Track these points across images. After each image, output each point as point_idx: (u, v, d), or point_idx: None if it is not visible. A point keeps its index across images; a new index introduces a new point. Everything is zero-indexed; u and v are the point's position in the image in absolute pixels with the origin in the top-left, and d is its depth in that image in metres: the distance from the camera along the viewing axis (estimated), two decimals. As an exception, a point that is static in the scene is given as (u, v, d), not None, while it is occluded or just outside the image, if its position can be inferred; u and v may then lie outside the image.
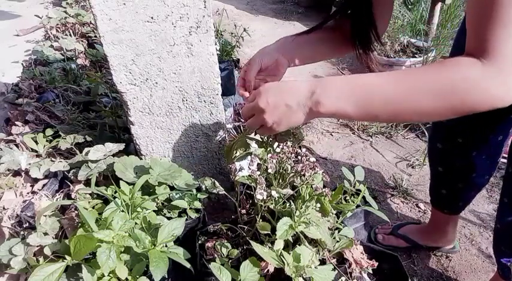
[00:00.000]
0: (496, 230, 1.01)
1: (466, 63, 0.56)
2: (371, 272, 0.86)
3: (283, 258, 0.73)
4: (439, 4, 2.50)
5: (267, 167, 0.76)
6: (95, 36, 2.27)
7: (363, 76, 0.64)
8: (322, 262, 0.81)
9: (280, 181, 0.79)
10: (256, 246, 0.73)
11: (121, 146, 1.01)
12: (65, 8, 2.77)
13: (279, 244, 0.76)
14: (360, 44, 0.87)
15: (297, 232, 0.75)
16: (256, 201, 0.77)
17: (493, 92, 0.55)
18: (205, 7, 0.91)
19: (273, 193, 0.75)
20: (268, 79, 0.87)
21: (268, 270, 0.76)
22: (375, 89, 0.61)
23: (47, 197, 0.97)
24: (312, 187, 0.78)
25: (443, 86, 0.57)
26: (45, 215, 0.84)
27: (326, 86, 0.64)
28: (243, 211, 0.90)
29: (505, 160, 0.95)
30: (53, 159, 1.10)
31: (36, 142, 1.15)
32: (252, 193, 0.80)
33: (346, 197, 0.96)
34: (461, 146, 1.04)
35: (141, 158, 1.04)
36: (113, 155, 0.99)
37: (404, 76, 0.62)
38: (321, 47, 0.92)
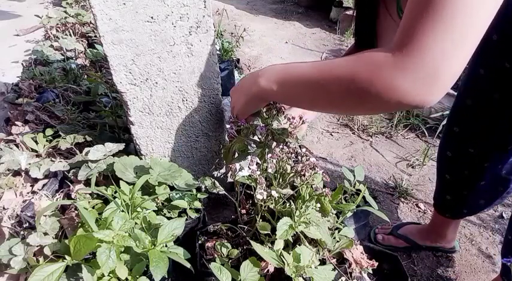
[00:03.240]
0: (507, 242, 1.00)
1: (379, 51, 0.52)
2: (371, 272, 0.86)
3: (283, 258, 0.73)
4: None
5: (267, 167, 0.76)
6: (95, 36, 2.27)
7: (298, 63, 0.67)
8: (322, 262, 0.81)
9: (280, 181, 0.79)
10: (256, 246, 0.73)
11: (121, 146, 1.01)
12: (65, 8, 2.78)
13: (279, 244, 0.76)
14: None
15: (297, 232, 0.75)
16: (256, 201, 0.77)
17: (398, 82, 0.49)
18: (205, 7, 0.91)
19: (273, 193, 0.75)
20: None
21: (268, 270, 0.77)
22: (295, 71, 0.66)
23: (47, 197, 0.97)
24: (312, 187, 0.78)
25: (350, 67, 0.54)
26: (45, 215, 0.84)
27: (267, 70, 0.73)
28: (243, 211, 0.90)
29: None
30: (53, 159, 1.10)
31: (36, 142, 1.15)
32: (252, 193, 0.80)
33: (346, 197, 0.96)
34: (472, 156, 1.00)
35: (141, 158, 1.04)
36: (113, 155, 0.99)
37: (325, 62, 0.64)
38: None
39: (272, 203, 0.77)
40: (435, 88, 0.49)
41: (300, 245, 0.78)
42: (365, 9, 0.82)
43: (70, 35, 2.29)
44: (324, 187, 0.77)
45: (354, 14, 0.85)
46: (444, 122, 1.86)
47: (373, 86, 0.51)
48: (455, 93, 1.02)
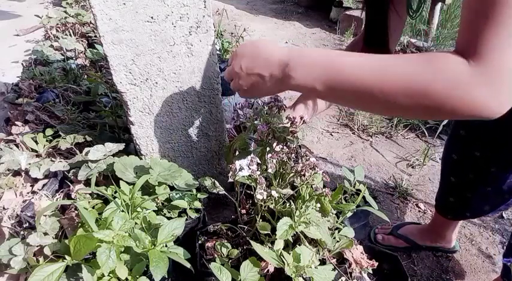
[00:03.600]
0: (510, 246, 1.00)
1: (454, 60, 0.50)
2: (371, 272, 0.86)
3: (283, 258, 0.73)
4: (439, 4, 2.50)
5: (267, 167, 0.76)
6: (95, 36, 2.27)
7: (339, 55, 0.59)
8: (322, 262, 0.81)
9: (280, 181, 0.79)
10: (256, 246, 0.73)
11: (121, 146, 1.01)
12: (65, 8, 2.78)
13: (279, 244, 0.76)
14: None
15: (297, 232, 0.75)
16: (256, 201, 0.77)
17: (476, 95, 0.48)
18: (205, 7, 0.91)
19: (273, 193, 0.75)
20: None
21: (268, 270, 0.76)
22: (347, 73, 0.56)
23: (47, 197, 0.97)
24: (312, 187, 0.78)
25: (422, 79, 0.50)
26: (45, 215, 0.84)
27: (299, 60, 0.60)
28: (243, 211, 0.90)
29: None
30: (53, 159, 1.10)
31: (36, 142, 1.15)
32: (252, 193, 0.80)
33: (346, 197, 0.96)
34: (478, 160, 0.98)
35: (141, 158, 1.04)
36: (113, 155, 0.99)
37: (382, 63, 0.55)
38: None
39: (272, 203, 0.77)
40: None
41: (300, 245, 0.78)
42: (376, 8, 0.81)
43: (70, 35, 2.29)
44: (324, 187, 0.77)
45: (364, 12, 0.84)
46: (444, 122, 1.86)
47: (449, 101, 0.49)
48: None
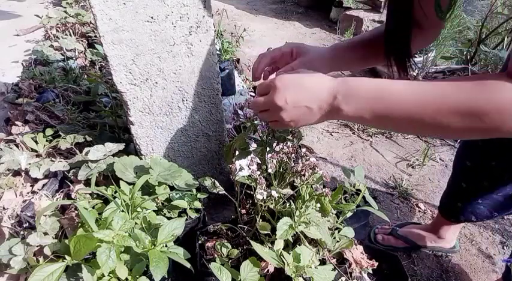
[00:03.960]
0: None
1: (501, 84, 0.50)
2: (371, 272, 0.86)
3: (283, 258, 0.73)
4: (439, 4, 2.49)
5: (267, 167, 0.76)
6: (95, 36, 2.27)
7: (388, 86, 0.59)
8: (322, 262, 0.81)
9: (280, 181, 0.79)
10: (256, 246, 0.73)
11: (121, 146, 1.01)
12: (65, 7, 2.78)
13: (279, 244, 0.76)
14: (395, 56, 0.80)
15: (297, 232, 0.75)
16: (256, 201, 0.77)
17: None
18: (205, 7, 0.91)
19: (273, 193, 0.75)
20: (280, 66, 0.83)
21: (268, 270, 0.77)
22: (395, 103, 0.57)
23: (47, 197, 0.97)
24: (312, 187, 0.78)
25: (478, 109, 0.51)
26: (45, 215, 0.84)
27: (348, 92, 0.61)
28: (243, 211, 0.90)
29: None
30: (53, 159, 1.10)
31: (36, 142, 1.15)
32: (252, 193, 0.80)
33: (346, 197, 0.96)
34: (493, 169, 0.95)
35: (141, 158, 1.04)
36: (113, 155, 0.99)
37: (433, 93, 0.55)
38: (361, 52, 0.87)
39: (272, 203, 0.77)
40: None
41: (300, 245, 0.78)
42: (400, 6, 0.76)
43: (70, 35, 2.29)
44: (324, 187, 0.77)
45: (386, 9, 0.79)
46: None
47: (506, 125, 0.50)
48: None
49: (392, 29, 0.79)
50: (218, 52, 2.36)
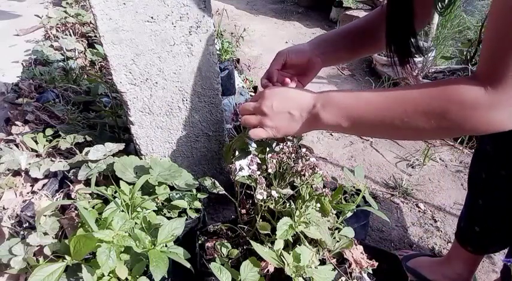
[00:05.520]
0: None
1: (469, 88, 0.53)
2: (371, 272, 0.86)
3: (283, 258, 0.73)
4: (440, 4, 2.49)
5: (267, 167, 0.76)
6: (95, 36, 2.27)
7: (360, 96, 0.65)
8: (322, 262, 0.81)
9: (280, 181, 0.79)
10: (256, 246, 0.73)
11: (121, 146, 1.01)
12: (65, 7, 2.77)
13: (279, 244, 0.76)
14: (396, 47, 0.79)
15: (297, 232, 0.75)
16: (256, 201, 0.77)
17: (494, 120, 0.53)
18: (205, 7, 0.91)
19: (273, 193, 0.75)
20: (298, 78, 0.86)
21: (268, 270, 0.76)
22: (369, 111, 0.62)
23: (47, 197, 0.97)
24: (312, 187, 0.78)
25: (440, 110, 0.55)
26: (45, 215, 0.84)
27: (326, 101, 0.67)
28: (243, 211, 0.90)
29: None
30: (53, 159, 1.10)
31: (36, 142, 1.15)
32: (252, 193, 0.80)
33: (346, 197, 0.96)
34: (505, 179, 0.88)
35: (141, 158, 1.04)
36: (113, 155, 0.99)
37: (401, 96, 0.60)
38: (359, 42, 0.87)
39: (272, 203, 0.77)
40: None
41: (300, 245, 0.78)
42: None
43: (70, 35, 2.29)
44: (324, 187, 0.77)
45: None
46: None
47: (468, 123, 0.54)
48: None
49: (393, 11, 0.78)
50: (218, 52, 2.36)
